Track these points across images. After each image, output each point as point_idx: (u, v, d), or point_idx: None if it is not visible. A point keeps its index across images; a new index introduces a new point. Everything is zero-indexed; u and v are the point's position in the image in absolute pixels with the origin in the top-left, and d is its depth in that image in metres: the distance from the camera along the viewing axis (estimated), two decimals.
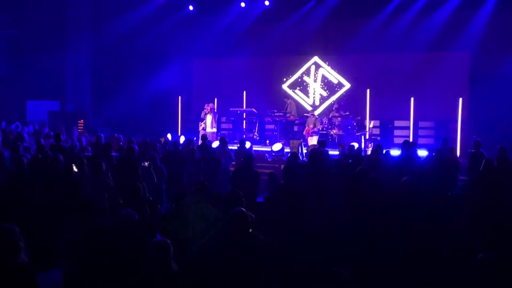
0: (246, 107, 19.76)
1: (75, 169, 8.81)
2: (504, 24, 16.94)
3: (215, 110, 17.66)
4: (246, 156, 9.61)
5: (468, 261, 4.99)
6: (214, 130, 17.35)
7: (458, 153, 14.51)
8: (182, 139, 16.08)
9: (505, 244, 5.76)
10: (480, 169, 9.80)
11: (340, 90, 19.71)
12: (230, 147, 13.43)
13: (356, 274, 5.15)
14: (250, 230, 5.02)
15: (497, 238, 6.05)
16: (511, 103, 16.34)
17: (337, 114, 17.61)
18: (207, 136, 14.62)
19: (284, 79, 20.53)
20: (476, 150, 11.57)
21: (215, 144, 14.25)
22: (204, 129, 17.12)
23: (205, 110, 17.27)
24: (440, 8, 17.63)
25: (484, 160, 9.83)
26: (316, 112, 19.05)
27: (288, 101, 19.12)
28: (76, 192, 7.56)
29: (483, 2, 17.08)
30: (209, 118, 17.11)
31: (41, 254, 6.28)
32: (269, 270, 4.84)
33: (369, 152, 13.91)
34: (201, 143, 13.25)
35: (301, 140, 16.43)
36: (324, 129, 17.40)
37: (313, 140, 16.07)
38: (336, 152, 13.87)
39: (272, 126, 19.29)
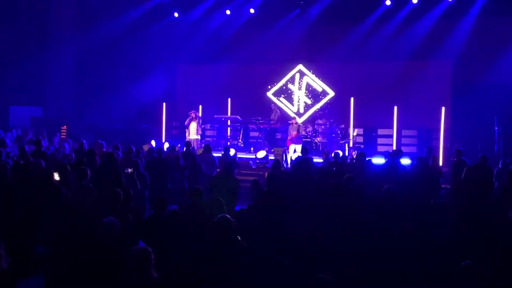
0: (230, 114, 19.75)
1: (56, 176, 8.73)
2: (486, 33, 17.14)
3: (200, 116, 17.63)
4: (226, 163, 9.62)
5: (450, 268, 5.03)
6: (198, 137, 17.34)
7: (440, 162, 14.64)
8: (166, 145, 16.03)
9: (486, 251, 5.82)
10: (462, 177, 9.91)
11: (324, 98, 19.78)
12: (214, 154, 13.42)
13: (339, 280, 5.17)
14: (238, 238, 5.01)
15: (479, 245, 6.11)
16: (493, 112, 16.52)
17: (321, 122, 17.68)
18: (191, 143, 14.60)
19: (269, 87, 20.57)
20: (458, 158, 11.68)
21: (200, 151, 14.23)
22: (188, 135, 17.10)
23: (190, 116, 17.26)
24: (423, 17, 17.79)
25: (465, 169, 9.94)
26: (301, 120, 19.10)
27: (274, 108, 19.14)
28: (57, 198, 7.49)
29: (466, 11, 17.27)
30: (193, 125, 17.10)
31: (22, 261, 6.22)
32: (252, 277, 4.84)
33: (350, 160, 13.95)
34: (185, 150, 13.22)
35: (285, 147, 16.46)
36: (308, 136, 17.45)
37: (296, 148, 16.08)
38: (320, 160, 13.93)
39: (256, 134, 19.29)
